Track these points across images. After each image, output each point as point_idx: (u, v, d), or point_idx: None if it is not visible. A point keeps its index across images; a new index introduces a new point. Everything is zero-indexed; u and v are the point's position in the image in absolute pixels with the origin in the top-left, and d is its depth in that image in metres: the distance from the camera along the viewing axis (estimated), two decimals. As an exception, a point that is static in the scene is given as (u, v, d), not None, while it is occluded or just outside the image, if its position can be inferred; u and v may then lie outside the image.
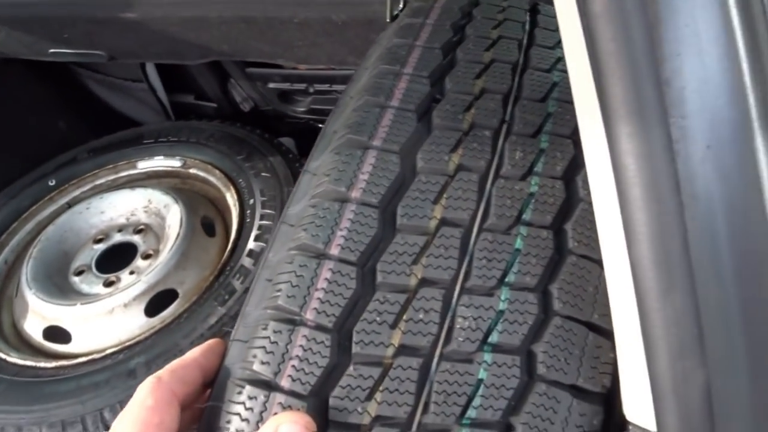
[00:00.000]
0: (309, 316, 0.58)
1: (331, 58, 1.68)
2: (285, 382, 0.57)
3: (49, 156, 2.03)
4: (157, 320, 1.56)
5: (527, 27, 0.83)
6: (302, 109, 2.16)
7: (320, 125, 2.08)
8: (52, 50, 1.83)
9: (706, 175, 0.50)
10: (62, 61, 1.97)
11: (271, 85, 2.09)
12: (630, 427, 0.57)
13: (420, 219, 0.62)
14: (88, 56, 1.86)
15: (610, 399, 0.60)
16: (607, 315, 0.60)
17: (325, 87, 2.00)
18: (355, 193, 0.62)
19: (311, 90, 2.07)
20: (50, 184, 1.96)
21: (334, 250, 0.60)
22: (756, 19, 0.49)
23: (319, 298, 0.58)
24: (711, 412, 0.50)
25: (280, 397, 0.56)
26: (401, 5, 0.88)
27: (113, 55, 1.84)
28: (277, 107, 2.20)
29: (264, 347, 0.58)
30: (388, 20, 0.87)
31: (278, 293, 0.59)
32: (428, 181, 0.63)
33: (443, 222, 0.62)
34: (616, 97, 0.49)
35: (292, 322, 0.58)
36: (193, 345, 1.48)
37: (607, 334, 0.60)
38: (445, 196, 0.63)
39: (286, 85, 2.07)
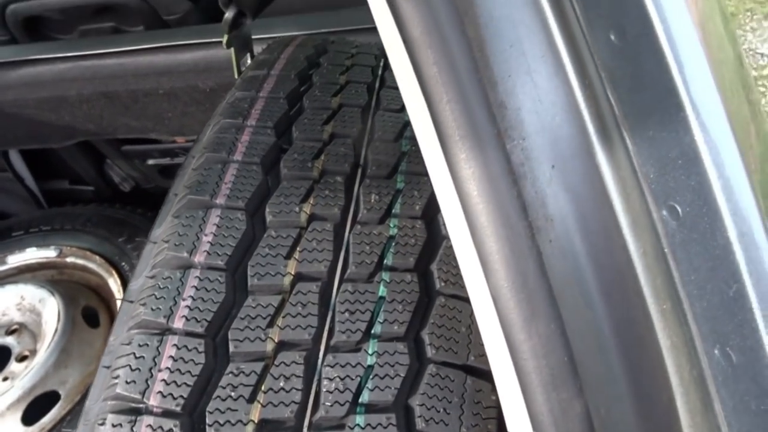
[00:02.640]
0: (153, 402, 0.51)
1: (205, 127, 1.63)
2: (130, 485, 0.49)
3: None
4: (36, 428, 1.42)
5: (378, 71, 0.81)
6: (187, 183, 2.08)
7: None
8: None
9: (557, 195, 0.48)
10: None
11: (151, 162, 2.00)
12: (522, 473, 0.53)
13: (272, 277, 0.57)
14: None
15: (498, 445, 0.56)
16: (484, 355, 0.57)
17: (206, 158, 1.94)
18: (199, 258, 0.57)
19: (193, 162, 1.99)
20: None
21: (179, 323, 0.54)
22: (576, 34, 0.48)
23: (164, 380, 0.52)
24: (595, 443, 0.47)
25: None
26: (249, 61, 0.85)
27: (-33, 145, 1.72)
28: (160, 184, 2.11)
29: (103, 447, 0.50)
30: (235, 77, 0.83)
31: (116, 380, 0.52)
32: (279, 235, 0.58)
33: (299, 277, 0.57)
34: (447, 122, 0.46)
35: (135, 411, 0.51)
36: (79, 450, 1.35)
37: (487, 375, 0.56)
38: (298, 249, 0.58)
39: (166, 160, 2.00)
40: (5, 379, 1.55)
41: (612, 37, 0.44)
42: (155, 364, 0.52)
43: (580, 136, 0.49)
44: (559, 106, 0.49)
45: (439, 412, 0.53)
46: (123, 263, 1.76)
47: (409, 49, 0.48)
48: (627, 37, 0.44)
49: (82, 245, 1.84)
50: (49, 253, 1.86)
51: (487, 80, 0.47)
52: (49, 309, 1.65)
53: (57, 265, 1.85)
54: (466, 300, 0.59)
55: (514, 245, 0.46)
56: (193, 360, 0.52)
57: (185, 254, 0.57)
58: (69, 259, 1.84)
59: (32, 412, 1.46)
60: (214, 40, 1.44)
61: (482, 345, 0.57)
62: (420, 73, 0.47)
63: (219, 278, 0.56)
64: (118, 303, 1.69)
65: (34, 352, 1.62)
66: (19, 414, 1.44)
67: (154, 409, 0.51)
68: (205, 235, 0.58)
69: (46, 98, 1.51)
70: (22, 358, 1.61)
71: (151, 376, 0.52)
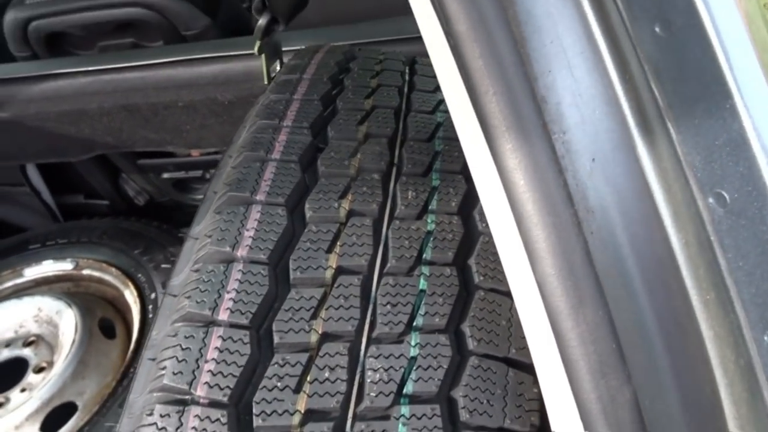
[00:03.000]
0: (200, 392, 0.52)
1: (222, 140, 1.65)
2: (179, 474, 0.49)
3: None
4: (55, 439, 1.42)
5: (406, 75, 0.82)
6: (201, 197, 2.10)
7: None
8: None
9: (597, 187, 0.49)
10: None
11: (166, 176, 2.02)
12: (565, 464, 0.53)
13: (314, 270, 0.57)
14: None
15: (540, 438, 0.56)
16: (524, 348, 0.57)
17: (221, 171, 1.95)
18: (242, 252, 0.58)
19: (207, 176, 2.01)
20: (-76, 304, 1.79)
21: (223, 315, 0.54)
22: (617, 29, 0.49)
23: (210, 371, 0.52)
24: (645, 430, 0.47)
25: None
26: (279, 67, 0.86)
27: (-14, 160, 1.74)
28: (174, 197, 2.12)
29: (151, 437, 0.50)
30: (265, 82, 0.84)
31: (163, 372, 0.52)
32: (319, 230, 0.59)
33: (340, 271, 0.58)
34: (493, 113, 0.47)
35: (182, 402, 0.52)
36: (98, 461, 1.35)
37: (528, 368, 0.57)
38: (339, 243, 0.59)
39: (181, 174, 2.01)
40: (23, 390, 1.56)
41: (657, 30, 0.45)
42: (201, 356, 0.53)
43: (620, 129, 0.49)
44: (600, 100, 0.49)
45: (482, 403, 0.54)
46: (139, 275, 1.77)
47: (453, 43, 0.49)
48: (672, 28, 0.45)
49: (99, 258, 1.85)
50: (65, 266, 1.87)
51: (529, 75, 0.48)
52: (66, 320, 1.66)
53: (73, 277, 1.87)
54: (505, 294, 0.59)
55: (560, 233, 0.47)
56: (238, 351, 0.53)
57: (228, 249, 0.58)
58: (85, 272, 1.85)
59: (50, 423, 1.46)
60: (233, 53, 1.47)
61: (522, 338, 0.57)
62: (464, 66, 0.48)
63: (262, 272, 0.56)
64: (135, 313, 1.69)
65: (51, 364, 1.62)
66: (37, 425, 1.44)
67: (201, 400, 0.52)
68: (247, 230, 0.59)
69: (67, 111, 1.53)
70: (39, 370, 1.61)
71: (198, 367, 0.52)
